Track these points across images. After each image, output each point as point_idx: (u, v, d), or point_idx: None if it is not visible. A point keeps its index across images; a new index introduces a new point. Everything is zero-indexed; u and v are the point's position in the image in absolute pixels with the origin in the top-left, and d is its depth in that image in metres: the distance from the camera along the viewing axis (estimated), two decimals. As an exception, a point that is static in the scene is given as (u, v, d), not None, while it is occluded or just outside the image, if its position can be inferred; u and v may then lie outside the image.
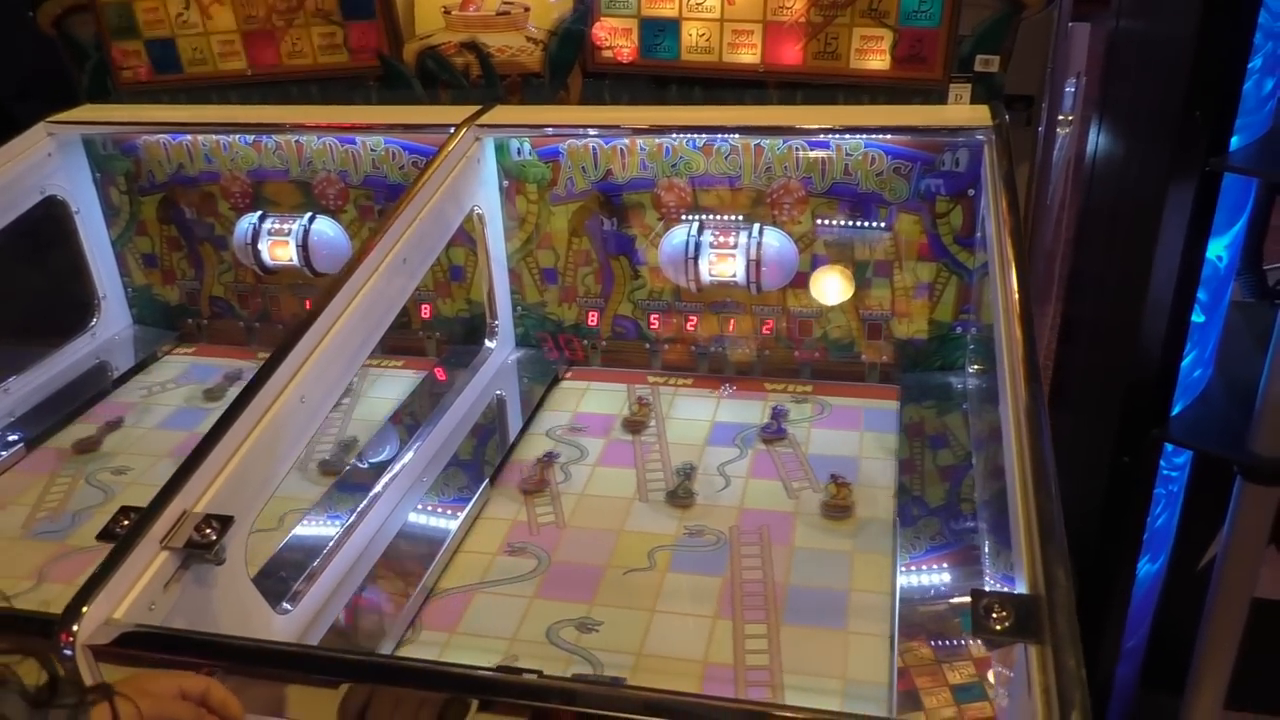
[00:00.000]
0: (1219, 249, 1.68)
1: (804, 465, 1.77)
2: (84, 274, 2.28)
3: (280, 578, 1.41)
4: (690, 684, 1.30)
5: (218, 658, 1.00)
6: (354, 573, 1.50)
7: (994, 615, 0.89)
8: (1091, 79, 2.28)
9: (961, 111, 1.75)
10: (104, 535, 1.12)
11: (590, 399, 2.02)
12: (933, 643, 1.30)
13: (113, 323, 2.34)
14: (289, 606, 1.37)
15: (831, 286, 1.95)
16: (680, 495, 1.67)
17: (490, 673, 1.00)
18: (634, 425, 1.90)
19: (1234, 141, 1.54)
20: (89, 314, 2.30)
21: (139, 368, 2.25)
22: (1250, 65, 1.50)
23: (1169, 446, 1.77)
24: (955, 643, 1.31)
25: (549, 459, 1.80)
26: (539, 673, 0.98)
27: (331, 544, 1.49)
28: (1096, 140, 2.09)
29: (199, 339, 2.35)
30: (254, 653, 1.03)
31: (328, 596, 1.45)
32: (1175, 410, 1.76)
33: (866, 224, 1.90)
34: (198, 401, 2.09)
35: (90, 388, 2.15)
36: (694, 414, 1.95)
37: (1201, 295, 1.66)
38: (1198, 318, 1.69)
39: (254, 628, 1.29)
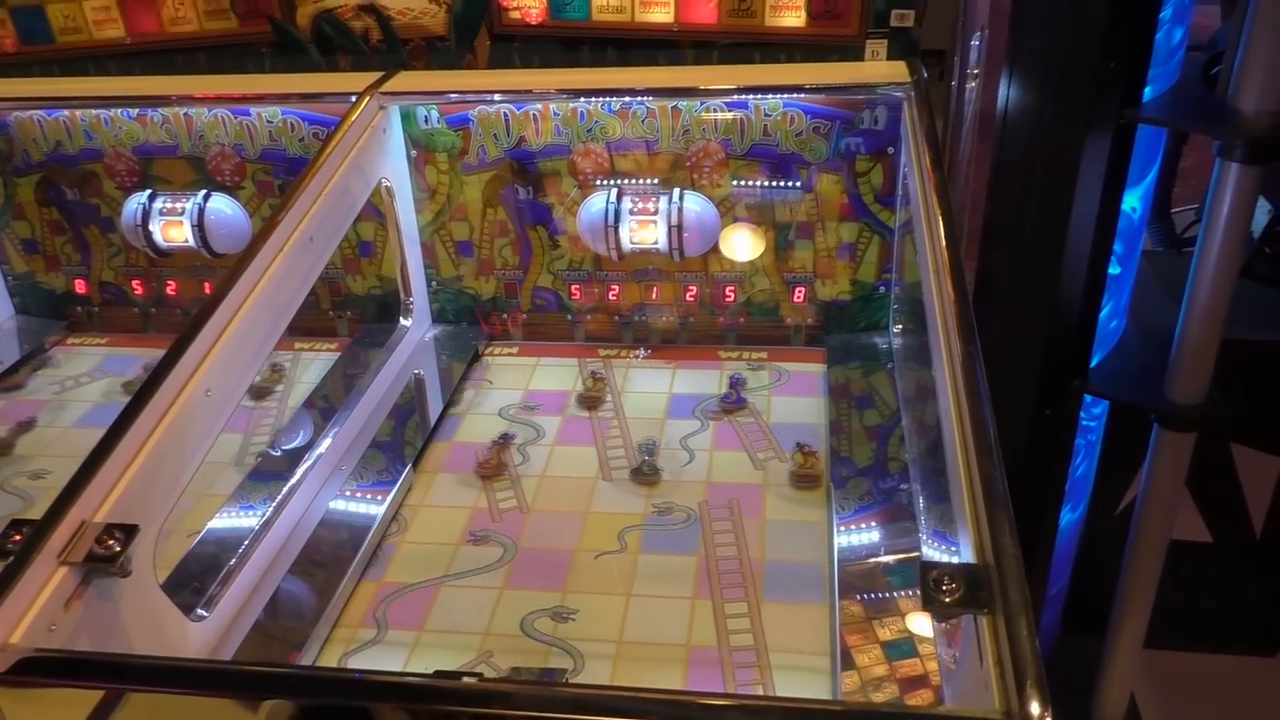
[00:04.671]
0: (1133, 200, 1.69)
1: (768, 435, 1.73)
2: (-44, 262, 2.13)
3: (194, 583, 1.33)
4: (675, 669, 1.26)
5: (126, 680, 0.93)
6: (273, 570, 1.43)
7: (944, 587, 0.87)
8: (996, 33, 2.28)
9: (879, 68, 1.74)
10: (-6, 553, 1.03)
11: (541, 376, 1.95)
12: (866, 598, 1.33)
13: (-9, 314, 2.19)
14: (204, 613, 1.29)
15: (742, 243, 1.92)
16: (645, 472, 1.63)
17: (422, 680, 0.94)
18: (589, 401, 1.85)
19: (1145, 92, 1.54)
20: (-37, 305, 2.15)
21: (25, 361, 2.11)
22: (1161, 15, 1.50)
23: (1088, 397, 1.79)
24: (888, 598, 1.32)
25: (505, 440, 1.74)
26: (479, 675, 0.93)
27: (248, 541, 1.41)
28: (1007, 93, 2.08)
29: (89, 328, 2.22)
30: (164, 672, 0.95)
31: (246, 597, 1.37)
32: (1094, 361, 1.77)
33: (787, 185, 1.87)
34: (117, 396, 1.95)
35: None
36: (648, 386, 1.90)
37: (1117, 247, 1.67)
38: (1113, 269, 1.70)
39: (169, 640, 1.21)
